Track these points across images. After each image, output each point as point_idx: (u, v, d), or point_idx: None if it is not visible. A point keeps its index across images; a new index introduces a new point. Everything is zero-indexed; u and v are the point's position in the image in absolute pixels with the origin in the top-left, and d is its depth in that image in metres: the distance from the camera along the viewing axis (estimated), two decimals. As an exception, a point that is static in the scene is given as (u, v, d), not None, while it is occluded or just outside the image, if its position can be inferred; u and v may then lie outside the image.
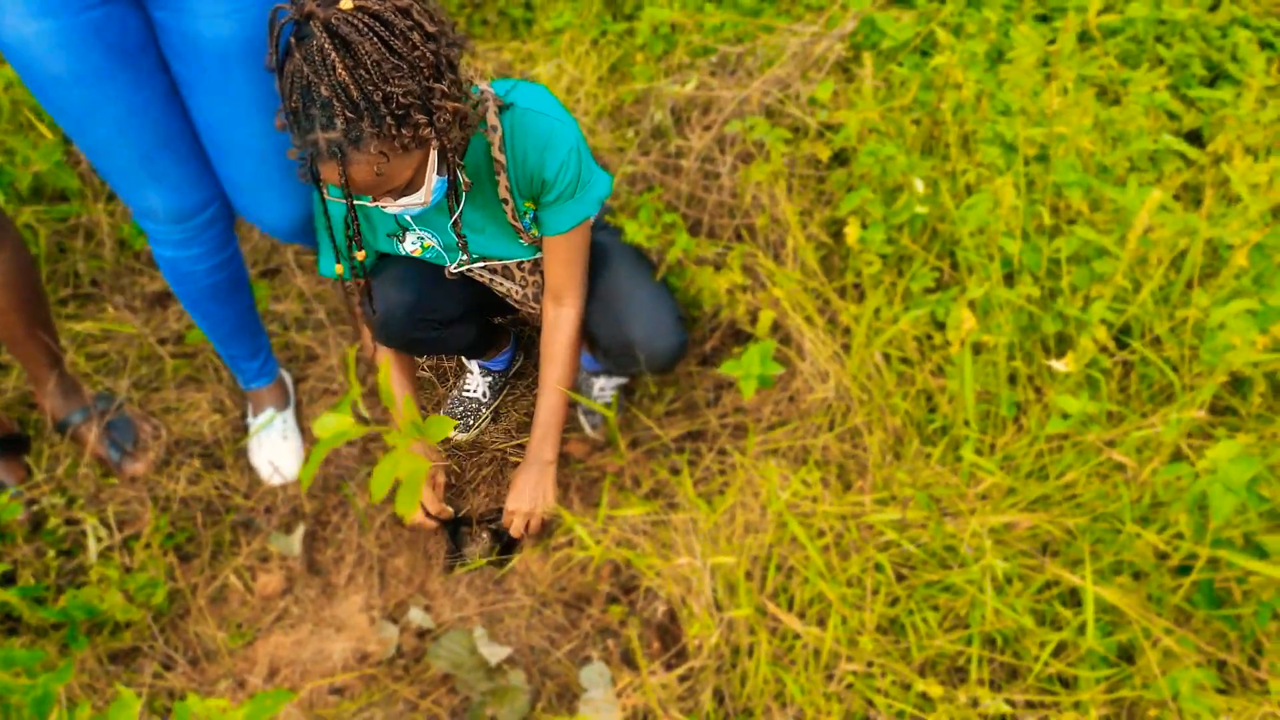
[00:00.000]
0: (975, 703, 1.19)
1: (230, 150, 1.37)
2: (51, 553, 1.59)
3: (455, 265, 1.53)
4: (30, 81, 1.24)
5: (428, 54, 1.12)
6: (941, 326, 1.47)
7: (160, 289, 2.10)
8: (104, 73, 1.23)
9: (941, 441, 1.39)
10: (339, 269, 1.38)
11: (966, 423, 1.37)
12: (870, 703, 1.23)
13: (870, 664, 1.23)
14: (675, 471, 1.61)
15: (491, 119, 1.32)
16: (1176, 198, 1.63)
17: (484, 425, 1.87)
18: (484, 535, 1.64)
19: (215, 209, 1.48)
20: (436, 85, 1.14)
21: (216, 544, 1.68)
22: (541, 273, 1.55)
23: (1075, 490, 1.25)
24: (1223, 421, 1.31)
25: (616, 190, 1.91)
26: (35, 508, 1.67)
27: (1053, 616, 1.23)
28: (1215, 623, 1.16)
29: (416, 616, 1.54)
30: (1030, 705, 1.20)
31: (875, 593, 1.27)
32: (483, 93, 1.32)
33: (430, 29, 1.13)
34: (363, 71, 1.08)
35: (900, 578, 1.29)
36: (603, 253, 1.59)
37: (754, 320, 1.66)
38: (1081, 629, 1.18)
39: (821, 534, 1.33)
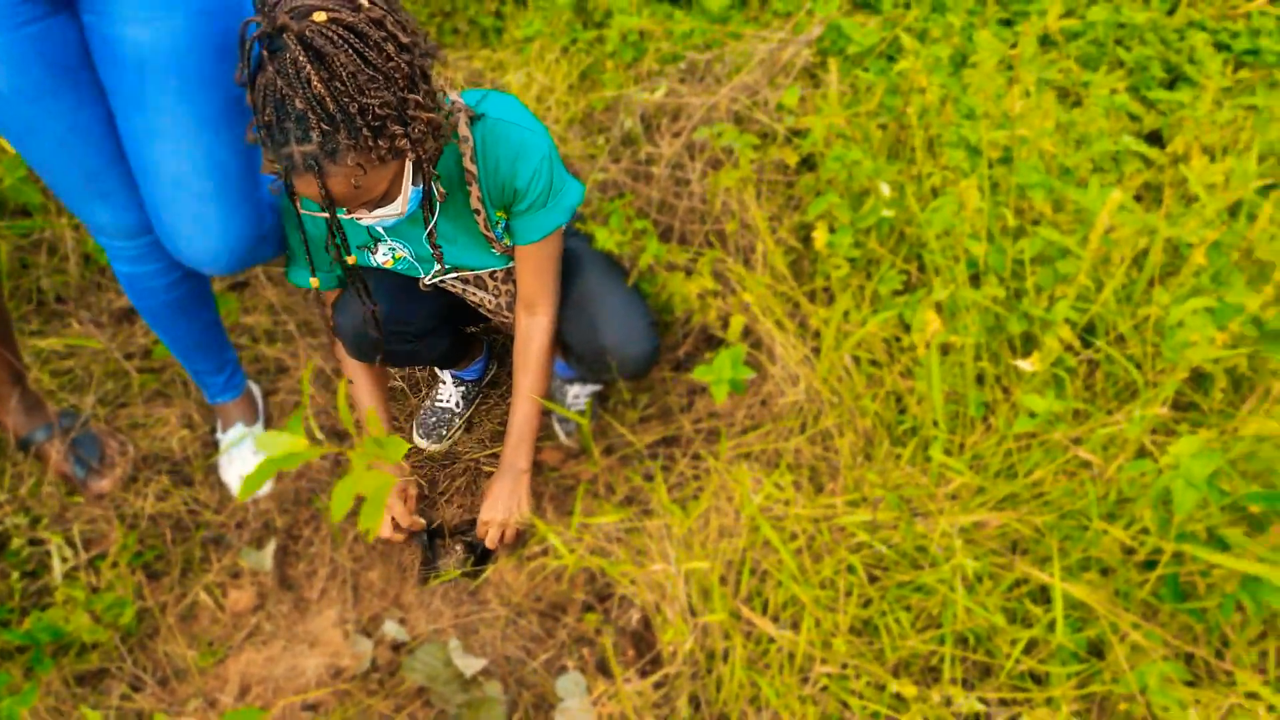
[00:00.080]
0: (949, 702, 1.19)
1: (145, 168, 1.28)
2: (15, 574, 1.56)
3: (430, 276, 1.53)
4: None
5: (402, 65, 1.12)
6: (909, 328, 1.49)
7: (126, 304, 2.07)
8: (45, 89, 1.20)
9: (911, 442, 1.40)
10: (314, 281, 1.36)
11: (935, 423, 1.38)
12: (845, 705, 1.23)
13: (844, 666, 1.24)
14: (649, 478, 1.61)
15: (463, 130, 1.32)
16: (1137, 198, 1.66)
17: (457, 435, 1.86)
18: (458, 547, 1.63)
19: None
20: (411, 96, 1.14)
21: (186, 561, 1.65)
22: (514, 282, 1.54)
23: (1043, 488, 1.27)
24: (1185, 417, 1.33)
25: (588, 198, 1.91)
26: (-2, 528, 1.64)
27: (1023, 614, 1.24)
28: (1181, 616, 1.18)
29: (391, 629, 1.53)
30: (1003, 703, 1.21)
31: (848, 594, 1.28)
32: (454, 104, 1.32)
33: (404, 40, 1.13)
34: (338, 84, 1.07)
35: (873, 579, 1.30)
36: (574, 259, 1.59)
37: (725, 325, 1.66)
38: (1051, 626, 1.19)
39: (794, 537, 1.33)
